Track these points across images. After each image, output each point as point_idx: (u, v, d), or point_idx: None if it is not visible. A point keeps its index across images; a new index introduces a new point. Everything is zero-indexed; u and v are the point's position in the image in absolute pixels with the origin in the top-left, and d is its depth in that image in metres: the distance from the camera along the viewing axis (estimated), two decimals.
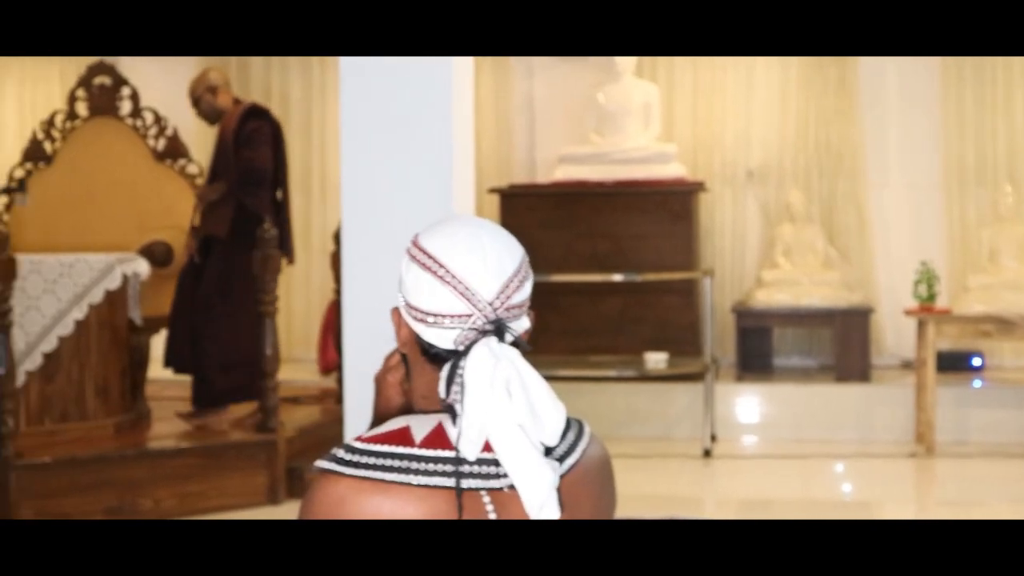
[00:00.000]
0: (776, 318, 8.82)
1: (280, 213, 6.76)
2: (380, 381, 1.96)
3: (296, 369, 9.01)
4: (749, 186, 9.41)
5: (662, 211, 8.78)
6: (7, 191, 7.51)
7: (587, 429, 1.82)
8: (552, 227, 8.77)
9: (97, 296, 6.21)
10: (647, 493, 6.68)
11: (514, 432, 1.66)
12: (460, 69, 4.35)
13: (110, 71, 7.69)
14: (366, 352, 4.31)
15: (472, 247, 1.75)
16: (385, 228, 4.31)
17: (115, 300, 6.36)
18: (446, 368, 1.72)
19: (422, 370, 1.80)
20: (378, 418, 1.95)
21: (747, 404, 8.26)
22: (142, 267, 6.44)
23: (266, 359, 6.35)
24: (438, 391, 1.75)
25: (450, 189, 4.30)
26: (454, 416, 1.68)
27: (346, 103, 4.33)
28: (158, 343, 7.24)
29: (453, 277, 1.73)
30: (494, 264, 1.74)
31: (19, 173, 7.77)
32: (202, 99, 6.77)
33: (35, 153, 7.74)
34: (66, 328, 6.10)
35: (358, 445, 1.72)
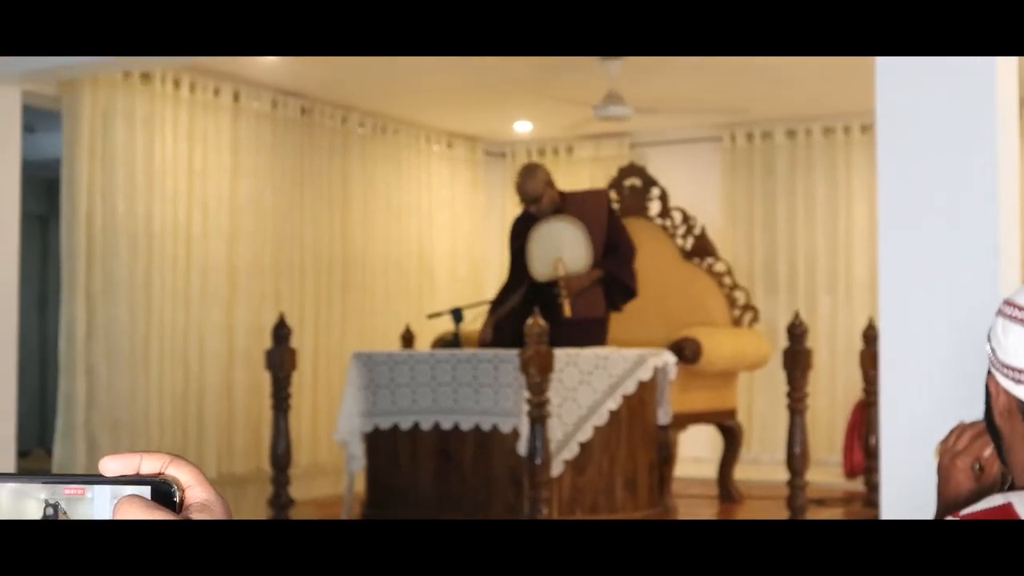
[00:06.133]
0: None
1: None
2: (947, 468, 1.87)
3: (819, 471, 8.85)
4: None
5: None
6: None
7: None
8: None
9: (630, 387, 6.34)
10: None
11: None
12: (1005, 168, 4.19)
13: (640, 173, 7.92)
14: (905, 451, 4.17)
15: None
16: (925, 324, 4.18)
17: (645, 393, 6.47)
18: None
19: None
20: (946, 508, 1.87)
21: None
22: (671, 361, 6.53)
23: (794, 457, 6.28)
24: None
25: (995, 283, 4.13)
26: None
27: (883, 199, 4.27)
28: (685, 439, 7.31)
29: None
30: None
31: None
32: (545, 194, 7.06)
33: None
34: (601, 418, 6.25)
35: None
